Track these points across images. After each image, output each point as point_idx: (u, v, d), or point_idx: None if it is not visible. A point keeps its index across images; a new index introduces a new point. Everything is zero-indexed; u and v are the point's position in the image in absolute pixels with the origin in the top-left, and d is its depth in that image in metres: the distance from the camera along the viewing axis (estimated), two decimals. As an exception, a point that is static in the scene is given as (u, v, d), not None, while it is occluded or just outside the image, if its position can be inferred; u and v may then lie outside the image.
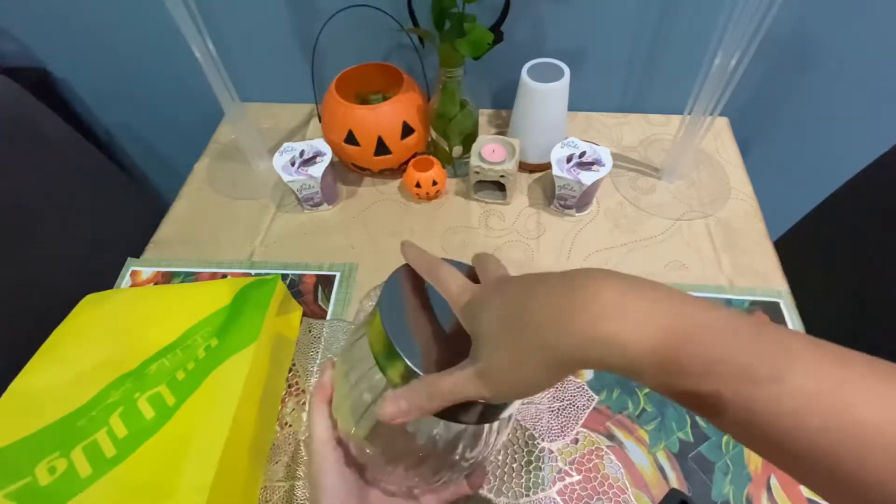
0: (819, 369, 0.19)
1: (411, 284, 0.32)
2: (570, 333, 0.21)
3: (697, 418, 0.51)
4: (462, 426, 0.29)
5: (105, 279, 0.63)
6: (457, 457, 0.31)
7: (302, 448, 0.50)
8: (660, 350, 0.20)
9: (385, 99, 0.68)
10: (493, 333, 0.25)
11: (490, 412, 0.29)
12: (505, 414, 0.30)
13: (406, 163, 0.70)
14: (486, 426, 0.31)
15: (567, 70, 0.65)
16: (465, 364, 0.26)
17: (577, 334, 0.21)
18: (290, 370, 0.55)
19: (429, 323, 0.31)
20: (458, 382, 0.25)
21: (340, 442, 0.33)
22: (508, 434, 0.50)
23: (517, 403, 0.30)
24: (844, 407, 0.18)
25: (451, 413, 0.27)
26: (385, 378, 0.29)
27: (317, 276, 0.63)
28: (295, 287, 0.62)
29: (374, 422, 0.30)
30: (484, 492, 0.47)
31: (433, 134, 0.71)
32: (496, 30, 0.64)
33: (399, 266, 0.33)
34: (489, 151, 0.67)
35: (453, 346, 0.29)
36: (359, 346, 0.31)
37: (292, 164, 0.65)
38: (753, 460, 0.48)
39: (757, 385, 0.19)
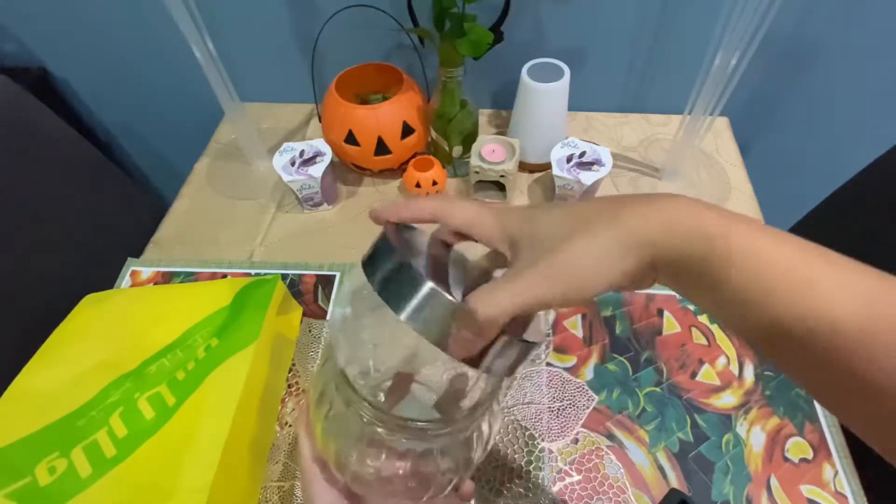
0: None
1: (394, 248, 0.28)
2: (655, 220, 0.22)
3: (697, 418, 0.51)
4: (448, 437, 0.29)
5: (105, 279, 0.63)
6: (445, 470, 0.31)
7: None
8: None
9: (385, 99, 0.68)
10: (561, 229, 0.23)
11: (519, 357, 0.26)
12: (531, 355, 0.28)
13: (406, 163, 0.70)
14: (474, 438, 0.31)
15: (567, 70, 0.65)
16: (520, 270, 0.23)
17: (662, 220, 0.22)
18: (290, 370, 0.55)
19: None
20: (529, 286, 0.22)
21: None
22: (499, 436, 0.50)
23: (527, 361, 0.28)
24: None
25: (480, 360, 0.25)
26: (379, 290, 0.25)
27: (317, 276, 0.63)
28: (295, 287, 0.62)
29: (355, 451, 0.30)
30: (484, 492, 0.47)
31: (433, 134, 0.71)
32: (496, 30, 0.64)
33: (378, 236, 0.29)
34: (489, 151, 0.67)
35: None
36: (326, 369, 0.31)
37: (292, 164, 0.65)
38: (753, 460, 0.48)
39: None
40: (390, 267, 0.25)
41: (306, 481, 0.33)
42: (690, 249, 0.21)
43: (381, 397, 0.35)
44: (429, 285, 0.23)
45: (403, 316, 0.24)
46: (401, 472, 0.30)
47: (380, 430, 0.29)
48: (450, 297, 0.23)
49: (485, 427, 0.31)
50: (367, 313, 0.31)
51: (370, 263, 0.26)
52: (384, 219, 0.28)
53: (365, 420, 0.29)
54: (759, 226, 0.22)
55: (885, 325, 0.19)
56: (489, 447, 0.33)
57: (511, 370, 0.26)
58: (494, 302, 0.22)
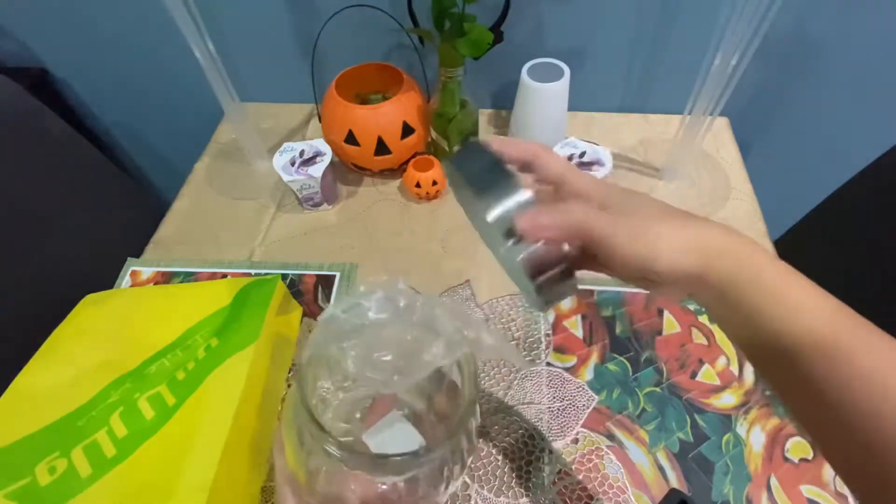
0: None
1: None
2: (717, 240, 0.26)
3: (697, 418, 0.51)
4: (412, 475, 0.30)
5: (105, 279, 0.63)
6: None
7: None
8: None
9: (385, 99, 0.68)
10: (650, 210, 0.28)
11: (565, 288, 0.28)
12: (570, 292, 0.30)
13: (406, 163, 0.70)
14: (443, 480, 0.31)
15: (567, 70, 0.65)
16: (614, 217, 0.27)
17: (720, 243, 0.26)
18: (290, 370, 0.55)
19: None
20: (613, 226, 0.26)
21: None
22: (499, 436, 0.50)
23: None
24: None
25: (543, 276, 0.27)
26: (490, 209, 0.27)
27: (317, 276, 0.63)
28: (295, 287, 0.62)
29: (323, 478, 0.30)
30: (484, 492, 0.47)
31: (433, 134, 0.71)
32: (496, 30, 0.64)
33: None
34: (489, 151, 0.67)
35: None
36: (294, 403, 0.31)
37: (292, 164, 0.65)
38: (753, 460, 0.48)
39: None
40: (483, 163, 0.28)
41: (279, 500, 0.33)
42: (731, 273, 0.26)
43: (356, 417, 0.36)
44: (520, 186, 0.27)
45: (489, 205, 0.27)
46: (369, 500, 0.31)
47: (346, 466, 0.29)
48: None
49: (457, 457, 0.32)
50: (341, 337, 0.32)
51: (463, 158, 0.29)
52: (490, 144, 0.31)
53: (332, 456, 0.29)
54: (782, 268, 0.26)
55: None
56: (460, 479, 0.33)
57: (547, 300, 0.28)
58: (580, 210, 0.27)
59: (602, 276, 0.29)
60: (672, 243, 0.26)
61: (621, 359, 0.55)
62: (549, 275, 0.27)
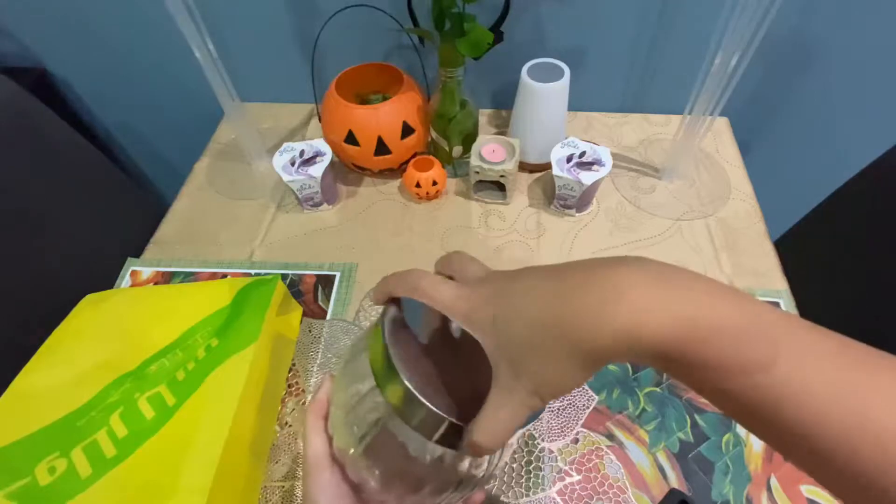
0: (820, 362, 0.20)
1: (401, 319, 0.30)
2: (604, 332, 0.22)
3: (697, 418, 0.51)
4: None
5: (105, 279, 0.63)
6: (460, 477, 0.30)
7: (302, 448, 0.50)
8: (675, 344, 0.21)
9: (385, 99, 0.68)
10: (535, 343, 0.24)
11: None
12: (518, 433, 0.29)
13: (406, 163, 0.70)
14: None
15: (567, 70, 0.65)
16: (508, 389, 0.25)
17: (609, 333, 0.22)
18: (290, 370, 0.55)
19: (421, 350, 0.29)
20: (517, 410, 0.25)
21: (336, 460, 0.33)
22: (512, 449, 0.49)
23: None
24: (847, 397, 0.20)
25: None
26: (384, 397, 0.27)
27: (317, 276, 0.63)
28: (295, 287, 0.62)
29: (374, 441, 0.29)
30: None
31: (433, 134, 0.71)
32: (496, 30, 0.63)
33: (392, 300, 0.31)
34: (489, 151, 0.67)
35: (450, 371, 0.28)
36: (362, 360, 0.30)
37: (292, 164, 0.65)
38: (753, 460, 0.48)
39: (748, 375, 0.21)
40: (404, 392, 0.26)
41: (309, 479, 0.32)
42: (643, 357, 0.22)
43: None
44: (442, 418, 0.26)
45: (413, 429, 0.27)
46: (416, 472, 0.30)
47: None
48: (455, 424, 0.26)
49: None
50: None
51: (384, 369, 0.27)
52: (381, 300, 0.31)
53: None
54: (708, 328, 0.21)
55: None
56: (503, 461, 0.32)
57: None
58: (496, 435, 0.25)
59: None
60: (563, 375, 0.24)
61: (621, 359, 0.55)
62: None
